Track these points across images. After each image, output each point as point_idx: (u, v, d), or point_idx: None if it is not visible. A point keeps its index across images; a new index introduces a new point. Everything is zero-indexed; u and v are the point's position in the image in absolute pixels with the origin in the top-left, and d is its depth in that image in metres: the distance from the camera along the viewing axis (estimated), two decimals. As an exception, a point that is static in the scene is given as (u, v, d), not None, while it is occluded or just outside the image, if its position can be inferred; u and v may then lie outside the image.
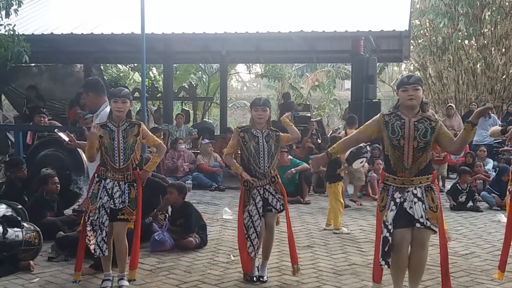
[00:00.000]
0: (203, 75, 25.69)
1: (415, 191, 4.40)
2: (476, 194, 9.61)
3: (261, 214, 5.25)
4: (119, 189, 5.01)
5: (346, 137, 4.82)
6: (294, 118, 14.74)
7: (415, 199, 4.39)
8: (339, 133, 12.95)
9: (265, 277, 5.32)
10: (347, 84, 31.69)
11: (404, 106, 4.45)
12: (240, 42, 14.31)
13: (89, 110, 13.39)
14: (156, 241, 6.34)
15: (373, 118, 4.64)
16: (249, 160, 5.27)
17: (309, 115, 17.60)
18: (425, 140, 4.36)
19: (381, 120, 4.50)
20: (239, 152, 5.44)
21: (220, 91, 19.04)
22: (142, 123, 5.22)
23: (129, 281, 5.11)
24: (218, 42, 14.84)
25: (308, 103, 22.80)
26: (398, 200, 4.42)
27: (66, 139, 5.45)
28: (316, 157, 4.86)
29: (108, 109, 5.27)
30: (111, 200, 4.98)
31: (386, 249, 4.39)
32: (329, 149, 4.67)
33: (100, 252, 4.95)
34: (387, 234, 4.39)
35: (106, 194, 4.99)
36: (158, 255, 6.16)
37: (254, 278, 5.30)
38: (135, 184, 5.07)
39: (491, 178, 10.38)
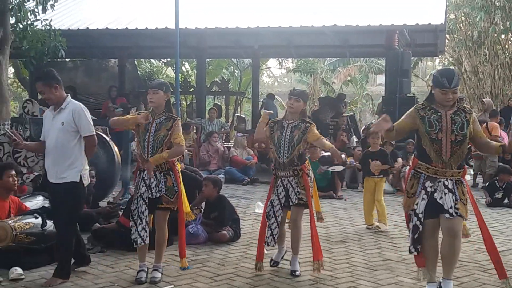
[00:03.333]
0: (235, 70, 25.75)
1: (446, 183, 4.43)
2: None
3: (283, 205, 5.29)
4: (155, 179, 5.07)
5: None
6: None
7: (446, 190, 4.41)
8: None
9: (297, 272, 5.31)
10: (380, 79, 31.42)
11: (441, 104, 4.47)
12: (272, 37, 14.26)
13: (120, 104, 13.62)
14: (190, 234, 6.37)
15: (406, 113, 4.62)
16: (272, 150, 5.36)
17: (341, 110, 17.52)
18: (462, 133, 4.39)
19: (416, 115, 4.50)
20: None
21: (252, 86, 19.05)
22: (179, 118, 5.25)
23: (183, 269, 5.25)
24: (251, 36, 14.82)
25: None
26: (429, 190, 4.44)
27: (16, 139, 5.02)
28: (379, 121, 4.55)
29: (71, 104, 5.02)
30: (149, 190, 5.05)
31: (415, 237, 4.47)
32: (394, 124, 4.52)
33: (142, 241, 5.03)
34: (418, 223, 4.45)
35: (144, 184, 5.08)
36: (192, 247, 6.19)
37: (272, 263, 5.43)
38: (171, 173, 5.11)
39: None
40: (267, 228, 5.33)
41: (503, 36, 18.47)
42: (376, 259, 5.92)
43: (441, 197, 4.41)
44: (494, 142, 4.67)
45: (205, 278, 5.19)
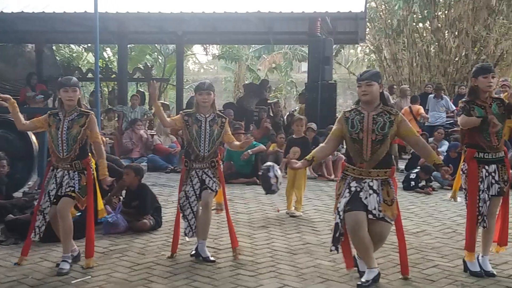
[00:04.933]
0: (159, 56, 25.34)
1: (371, 183, 4.51)
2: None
3: (197, 195, 5.26)
4: (68, 177, 5.00)
5: (323, 143, 4.84)
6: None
7: (371, 191, 4.50)
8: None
9: (210, 257, 5.27)
10: (304, 66, 31.77)
11: (361, 101, 4.60)
12: (196, 22, 14.14)
13: (40, 91, 13.15)
14: (109, 223, 6.24)
15: (337, 120, 4.79)
16: (190, 144, 5.30)
17: (266, 97, 17.64)
18: (383, 132, 4.49)
19: (342, 118, 4.66)
20: (184, 137, 5.50)
21: (176, 73, 18.83)
22: (92, 113, 5.14)
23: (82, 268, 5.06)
24: (174, 22, 14.63)
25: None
26: (353, 189, 4.52)
27: None
28: (295, 162, 4.85)
29: None
30: (59, 188, 4.99)
31: (336, 235, 4.52)
32: (307, 157, 4.70)
33: (36, 236, 5.04)
34: (338, 221, 4.50)
35: (54, 182, 5.01)
36: (111, 237, 6.08)
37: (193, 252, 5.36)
38: (85, 172, 5.05)
39: (442, 158, 10.57)
40: (183, 220, 5.29)
41: (420, 24, 19.08)
42: (297, 243, 6.00)
43: (366, 197, 4.48)
44: (430, 150, 4.73)
45: (123, 268, 5.10)
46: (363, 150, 4.51)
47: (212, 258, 5.28)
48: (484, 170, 4.86)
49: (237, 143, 5.53)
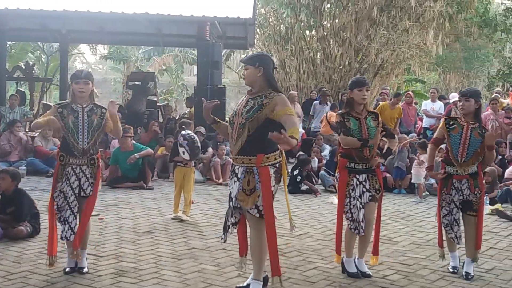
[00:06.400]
0: (42, 55, 24.26)
1: (237, 170, 4.41)
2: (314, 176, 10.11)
3: (77, 195, 4.97)
4: None
5: None
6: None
7: (235, 178, 4.40)
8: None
9: (85, 269, 5.01)
10: (195, 69, 31.74)
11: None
12: (81, 22, 13.66)
13: None
14: (-19, 231, 5.87)
15: None
16: (68, 136, 4.97)
17: (155, 99, 17.40)
18: (247, 115, 4.32)
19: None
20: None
21: (60, 72, 18.09)
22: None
23: None
24: (58, 20, 14.04)
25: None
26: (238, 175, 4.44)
27: None
28: None
29: None
30: None
31: (224, 224, 4.56)
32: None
33: None
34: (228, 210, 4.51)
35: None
36: (-16, 246, 5.72)
37: (67, 269, 4.99)
38: None
39: (325, 162, 10.96)
40: (61, 223, 4.98)
41: (307, 32, 19.67)
42: (182, 248, 5.95)
43: (231, 186, 4.46)
44: (289, 125, 4.16)
45: (-4, 278, 4.80)
46: (233, 134, 4.41)
47: (85, 270, 5.00)
48: (355, 179, 5.08)
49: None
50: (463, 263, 5.31)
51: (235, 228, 4.56)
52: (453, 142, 5.20)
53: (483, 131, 5.19)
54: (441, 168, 5.39)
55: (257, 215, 4.33)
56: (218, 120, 4.67)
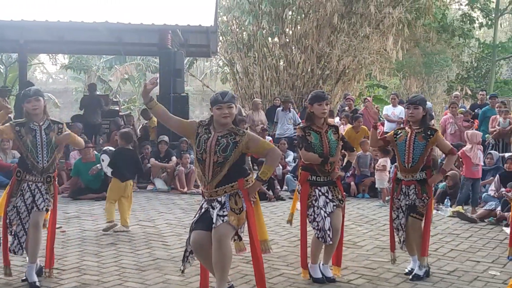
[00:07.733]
0: (0, 65, 23.80)
1: (219, 199, 4.32)
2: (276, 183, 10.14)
3: (29, 211, 4.96)
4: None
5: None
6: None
7: (219, 205, 4.31)
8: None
9: (37, 282, 4.91)
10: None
11: (218, 123, 4.36)
12: (40, 31, 13.44)
13: None
14: None
15: (191, 120, 4.60)
16: (27, 155, 4.98)
17: (117, 109, 17.24)
18: (224, 154, 4.28)
19: (195, 127, 4.40)
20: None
21: (19, 83, 17.76)
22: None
23: None
24: (15, 30, 13.78)
25: (116, 99, 22.30)
26: (203, 210, 4.39)
27: None
28: None
29: None
30: None
31: (184, 254, 4.47)
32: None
33: None
34: (188, 239, 4.41)
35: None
36: None
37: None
38: None
39: (291, 168, 11.02)
40: (12, 237, 4.95)
41: (270, 39, 19.76)
42: (146, 259, 5.88)
43: (212, 213, 4.32)
44: (266, 163, 4.40)
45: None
46: (205, 171, 4.31)
47: (37, 284, 4.90)
48: (317, 190, 5.15)
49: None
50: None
51: (194, 259, 4.46)
52: (400, 149, 5.33)
53: (429, 133, 5.28)
54: (393, 174, 5.49)
55: (233, 224, 4.27)
56: (156, 102, 4.43)
